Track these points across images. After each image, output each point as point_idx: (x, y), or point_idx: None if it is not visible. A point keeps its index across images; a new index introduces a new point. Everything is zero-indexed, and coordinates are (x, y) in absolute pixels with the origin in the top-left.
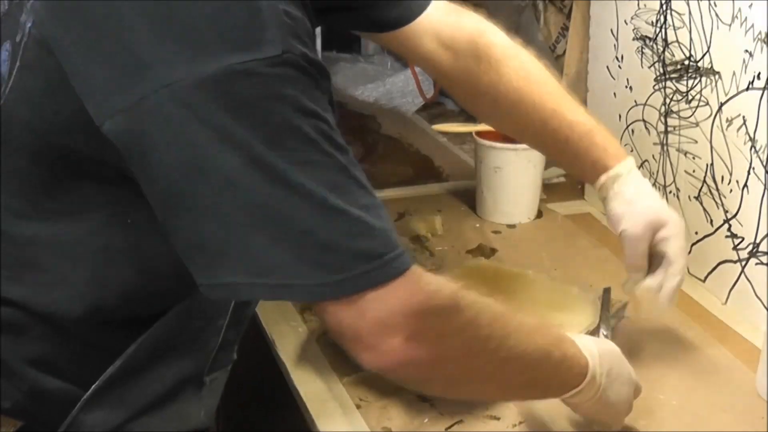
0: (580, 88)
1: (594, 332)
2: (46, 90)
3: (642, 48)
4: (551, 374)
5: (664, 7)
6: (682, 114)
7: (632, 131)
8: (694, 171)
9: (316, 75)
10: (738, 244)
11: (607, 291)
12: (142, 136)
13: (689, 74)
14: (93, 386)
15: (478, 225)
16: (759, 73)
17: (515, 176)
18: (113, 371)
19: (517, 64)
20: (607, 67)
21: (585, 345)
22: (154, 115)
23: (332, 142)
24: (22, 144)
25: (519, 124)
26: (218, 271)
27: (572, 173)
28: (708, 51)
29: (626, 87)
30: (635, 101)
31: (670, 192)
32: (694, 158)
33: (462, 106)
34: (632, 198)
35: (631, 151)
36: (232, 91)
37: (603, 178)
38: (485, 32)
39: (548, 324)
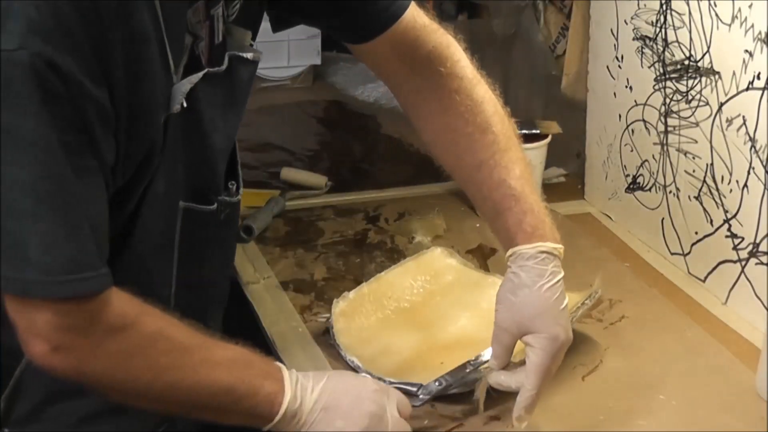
0: (580, 88)
1: None
2: None
3: (642, 48)
4: (229, 407)
5: (664, 7)
6: (682, 114)
7: (632, 131)
8: (694, 171)
9: (53, 78)
10: (738, 244)
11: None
12: None
13: (689, 74)
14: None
15: (478, 225)
16: (759, 73)
17: None
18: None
19: (464, 101)
20: (607, 67)
21: (305, 377)
22: None
23: (50, 148)
24: None
25: (450, 162)
26: None
27: (495, 235)
28: (708, 51)
29: (626, 87)
30: (635, 101)
31: (670, 192)
32: (694, 158)
33: (411, 122)
34: (518, 287)
35: (631, 151)
36: None
37: (509, 252)
38: (446, 57)
39: (256, 362)
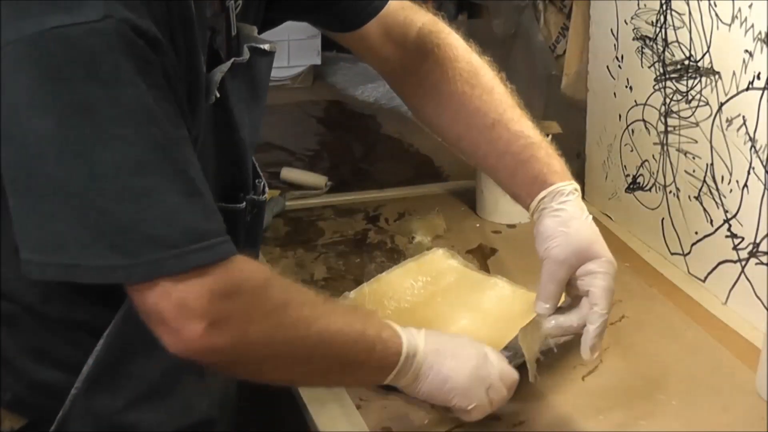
0: (580, 88)
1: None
2: None
3: (642, 48)
4: (365, 355)
5: (664, 7)
6: (682, 114)
7: (632, 131)
8: (694, 171)
9: (142, 44)
10: (738, 244)
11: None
12: None
13: (689, 74)
14: (85, 368)
15: (478, 225)
16: (759, 73)
17: None
18: (100, 352)
19: (466, 67)
20: (607, 67)
21: (406, 329)
22: None
23: (151, 117)
24: None
25: (458, 130)
26: (21, 246)
27: (508, 191)
28: (708, 51)
29: (626, 87)
30: (635, 101)
31: (670, 192)
32: (694, 158)
33: (408, 107)
34: (568, 219)
35: (631, 151)
36: (50, 54)
37: (543, 193)
38: (436, 31)
39: (363, 309)
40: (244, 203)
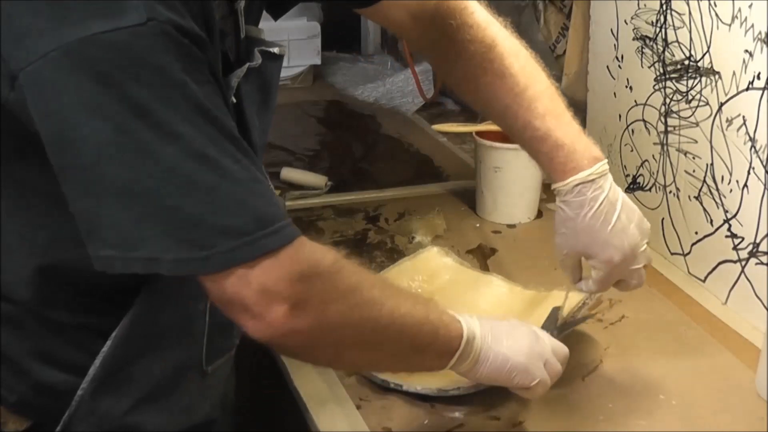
0: (580, 88)
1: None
2: None
3: (642, 48)
4: (431, 338)
5: (664, 7)
6: (682, 114)
7: (632, 131)
8: (694, 171)
9: (187, 43)
10: (738, 244)
11: (555, 310)
12: (26, 107)
13: (689, 74)
14: (91, 370)
15: (478, 225)
16: (759, 73)
17: (515, 176)
18: (106, 356)
19: (479, 49)
20: (607, 67)
21: (461, 315)
22: (31, 85)
23: (205, 113)
24: None
25: (481, 107)
26: (94, 243)
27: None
28: (708, 51)
29: (626, 87)
30: (635, 101)
31: (670, 192)
32: (694, 158)
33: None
34: (565, 220)
35: (631, 151)
36: (97, 60)
37: (552, 187)
38: (454, 9)
39: (420, 295)
40: None
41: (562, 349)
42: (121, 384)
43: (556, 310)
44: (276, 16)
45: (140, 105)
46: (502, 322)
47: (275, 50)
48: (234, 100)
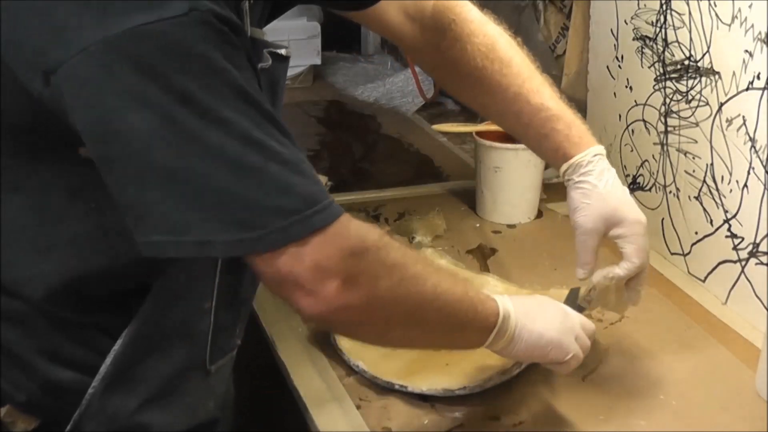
0: (580, 88)
1: None
2: None
3: (642, 48)
4: (471, 315)
5: (664, 7)
6: (682, 114)
7: (632, 131)
8: (694, 171)
9: (227, 31)
10: (738, 244)
11: (574, 291)
12: (66, 101)
13: (689, 74)
14: (102, 368)
15: (478, 225)
16: (759, 73)
17: (515, 176)
18: (117, 354)
19: (483, 41)
20: (607, 67)
21: (492, 291)
22: (72, 79)
23: (247, 98)
24: None
25: (483, 102)
26: (143, 229)
27: (541, 157)
28: (708, 51)
29: (626, 87)
30: (635, 101)
31: (670, 192)
32: (694, 158)
33: (430, 76)
34: (590, 190)
35: (631, 151)
36: (141, 52)
37: (564, 166)
38: (451, 6)
39: (455, 271)
40: None
41: (589, 324)
42: (130, 383)
43: (575, 291)
44: (273, 17)
45: (185, 93)
46: (531, 299)
47: (282, 52)
48: None
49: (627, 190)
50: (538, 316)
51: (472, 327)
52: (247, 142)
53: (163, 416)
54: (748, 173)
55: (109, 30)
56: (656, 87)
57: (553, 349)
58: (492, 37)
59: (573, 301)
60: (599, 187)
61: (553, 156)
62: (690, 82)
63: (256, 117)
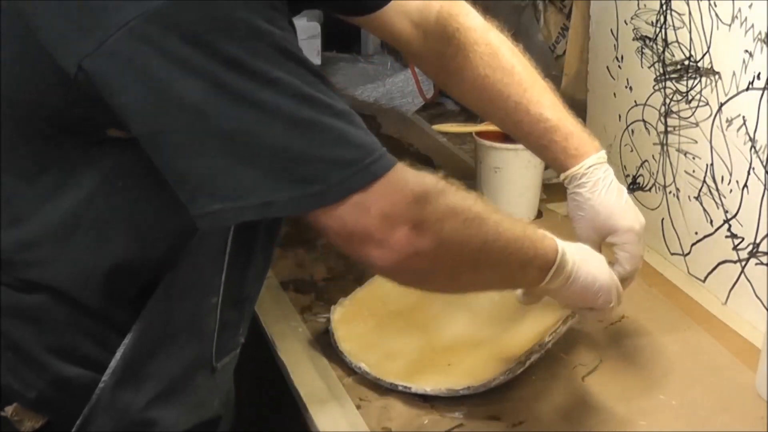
0: (580, 88)
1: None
2: (17, 55)
3: (642, 48)
4: (532, 252)
5: (664, 7)
6: (682, 114)
7: (632, 131)
8: (694, 171)
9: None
10: (738, 244)
11: None
12: (110, 79)
13: (689, 74)
14: (111, 363)
15: None
16: (759, 73)
17: (515, 176)
18: (126, 350)
19: (486, 50)
20: (607, 67)
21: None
22: (115, 57)
23: (293, 57)
24: (4, 118)
25: (485, 109)
26: (201, 200)
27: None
28: (708, 51)
29: (626, 87)
30: (635, 101)
31: (670, 192)
32: (694, 158)
33: (432, 81)
34: (582, 202)
35: (631, 151)
36: (184, 20)
37: (562, 177)
38: (455, 14)
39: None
40: None
41: (618, 283)
42: (139, 379)
43: None
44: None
45: (232, 58)
46: (580, 246)
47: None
48: None
49: (624, 196)
50: (591, 260)
51: (533, 264)
52: (300, 99)
53: (171, 412)
54: (748, 173)
55: (148, 4)
56: (656, 87)
57: (603, 295)
58: (494, 46)
59: None
60: (592, 199)
61: (553, 165)
62: (690, 82)
63: (304, 74)
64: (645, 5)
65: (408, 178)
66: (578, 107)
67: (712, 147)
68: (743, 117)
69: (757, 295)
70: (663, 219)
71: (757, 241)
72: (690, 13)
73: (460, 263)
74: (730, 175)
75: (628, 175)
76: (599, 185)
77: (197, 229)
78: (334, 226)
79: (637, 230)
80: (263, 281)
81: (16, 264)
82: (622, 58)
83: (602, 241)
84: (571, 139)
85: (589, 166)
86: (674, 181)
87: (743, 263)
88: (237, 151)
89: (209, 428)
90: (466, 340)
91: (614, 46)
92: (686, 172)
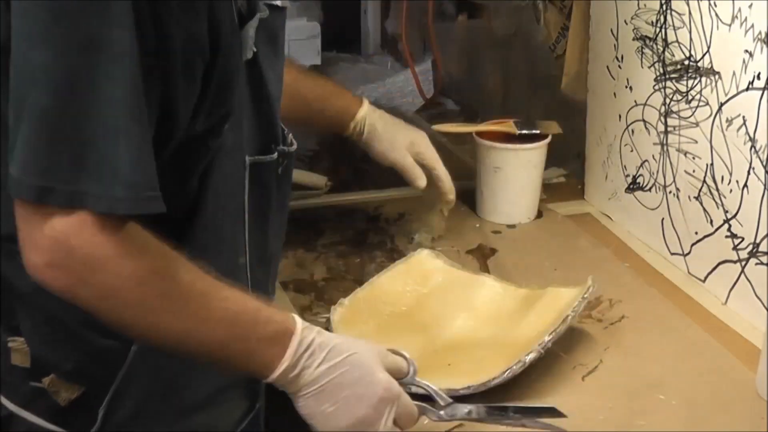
0: (580, 88)
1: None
2: None
3: (642, 48)
4: (221, 361)
5: (664, 7)
6: (682, 114)
7: (632, 131)
8: (694, 171)
9: None
10: (738, 244)
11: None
12: None
13: (689, 74)
14: None
15: (478, 225)
16: (759, 73)
17: (515, 176)
18: None
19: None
20: (607, 67)
21: (313, 353)
22: None
23: (138, 65)
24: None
25: (298, 106)
26: (11, 162)
27: (326, 128)
28: (708, 51)
29: (626, 87)
30: (635, 101)
31: (670, 192)
32: (694, 158)
33: None
34: (383, 131)
35: (631, 151)
36: None
37: (363, 111)
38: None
39: (262, 323)
40: (276, 154)
41: (409, 419)
42: None
43: None
44: None
45: (87, 40)
46: (353, 386)
47: (278, 2)
48: (255, 49)
49: (400, 121)
50: (332, 402)
51: (231, 368)
52: (122, 107)
53: (206, 375)
54: (748, 173)
55: None
56: (656, 87)
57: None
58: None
59: None
60: (388, 126)
61: (345, 111)
62: (690, 82)
63: (138, 85)
64: (645, 5)
65: (84, 229)
66: (578, 107)
67: (712, 147)
68: (743, 117)
69: (757, 295)
70: (663, 219)
71: (757, 241)
72: (690, 13)
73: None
74: (730, 175)
75: (628, 175)
76: (383, 112)
77: (205, 194)
78: (65, 228)
79: (423, 134)
80: (282, 239)
81: None
82: (622, 58)
83: (412, 151)
84: (345, 94)
85: (367, 104)
86: (674, 181)
87: (743, 263)
88: (43, 129)
89: (239, 392)
90: (466, 340)
91: (614, 46)
92: (686, 172)
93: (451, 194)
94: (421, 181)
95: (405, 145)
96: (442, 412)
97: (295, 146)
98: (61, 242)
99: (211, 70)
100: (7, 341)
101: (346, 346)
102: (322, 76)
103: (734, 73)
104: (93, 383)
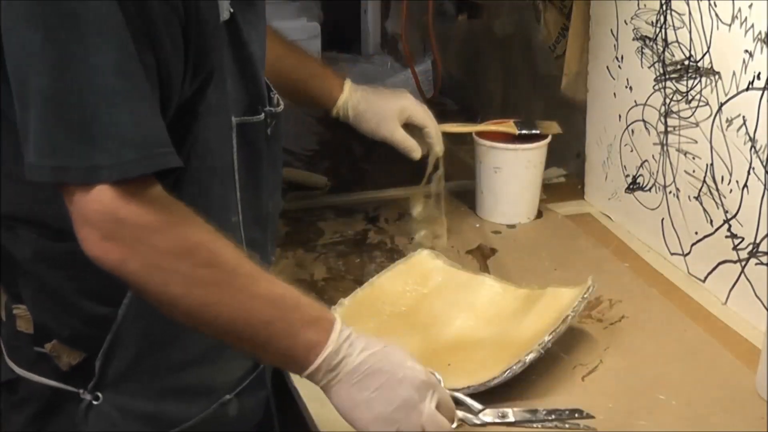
0: (580, 88)
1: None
2: None
3: (642, 48)
4: (263, 343)
5: (664, 7)
6: (682, 114)
7: (632, 131)
8: (694, 171)
9: None
10: (738, 244)
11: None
12: None
13: (689, 74)
14: (129, 292)
15: (478, 225)
16: (759, 73)
17: (515, 176)
18: None
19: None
20: (607, 67)
21: (352, 342)
22: None
23: (124, 30)
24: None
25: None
26: (25, 150)
27: (310, 108)
28: (708, 51)
29: (626, 87)
30: (635, 101)
31: (670, 192)
32: (694, 158)
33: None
34: (366, 110)
35: (631, 151)
36: None
37: (347, 88)
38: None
39: (306, 307)
40: (263, 115)
41: (448, 409)
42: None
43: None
44: None
45: (69, 14)
46: (393, 371)
47: None
48: (231, 10)
49: (383, 90)
50: (375, 388)
51: (273, 354)
52: (117, 72)
53: (193, 336)
54: (748, 173)
55: None
56: (656, 87)
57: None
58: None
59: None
60: (375, 98)
61: (332, 87)
62: (690, 82)
63: (129, 50)
64: (645, 5)
65: (127, 197)
66: (578, 107)
67: (712, 147)
68: (743, 117)
69: (757, 295)
70: (663, 219)
71: (757, 241)
72: (690, 13)
73: (157, 293)
74: (730, 175)
75: (628, 175)
76: (364, 87)
77: (192, 156)
78: (86, 202)
79: (409, 97)
80: (279, 201)
81: (47, 214)
82: (622, 58)
83: (402, 119)
84: (330, 74)
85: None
86: (674, 181)
87: (743, 263)
88: (47, 109)
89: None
90: (466, 340)
91: (614, 46)
92: (686, 172)
93: (438, 146)
94: (416, 153)
95: (396, 114)
96: (478, 418)
97: (282, 106)
98: (111, 214)
99: (188, 31)
100: (12, 308)
101: (378, 339)
102: (305, 53)
103: (734, 73)
104: (91, 349)
